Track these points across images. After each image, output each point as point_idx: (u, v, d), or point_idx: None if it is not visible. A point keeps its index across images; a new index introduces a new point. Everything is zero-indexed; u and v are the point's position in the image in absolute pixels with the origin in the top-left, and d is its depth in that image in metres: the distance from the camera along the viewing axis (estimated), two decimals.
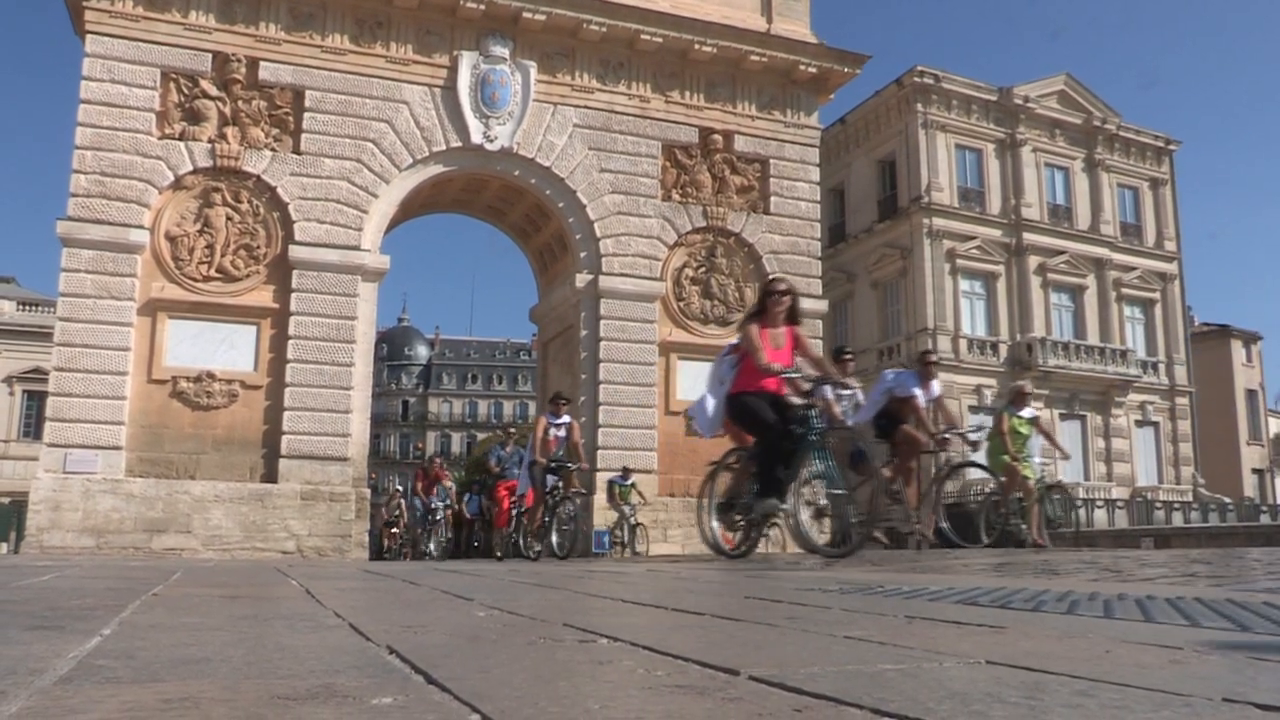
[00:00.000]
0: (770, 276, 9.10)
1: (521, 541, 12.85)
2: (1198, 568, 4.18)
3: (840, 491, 7.14)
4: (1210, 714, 1.17)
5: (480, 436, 78.69)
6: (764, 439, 7.45)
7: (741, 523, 7.69)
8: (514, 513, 13.78)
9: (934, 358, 11.99)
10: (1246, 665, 1.57)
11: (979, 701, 1.28)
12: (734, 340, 8.19)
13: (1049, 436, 13.08)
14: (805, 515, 7.22)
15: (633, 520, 19.24)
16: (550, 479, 12.54)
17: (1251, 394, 50.17)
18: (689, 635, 2.26)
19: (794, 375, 7.45)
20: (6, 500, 34.87)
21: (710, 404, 7.93)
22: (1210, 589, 3.05)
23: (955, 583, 3.82)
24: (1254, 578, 3.56)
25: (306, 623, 2.63)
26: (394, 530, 22.51)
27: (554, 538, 12.01)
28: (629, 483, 19.95)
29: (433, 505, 18.66)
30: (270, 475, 18.73)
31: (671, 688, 1.45)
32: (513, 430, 20.75)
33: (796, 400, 7.39)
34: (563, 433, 12.73)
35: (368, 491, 20.04)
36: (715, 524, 7.85)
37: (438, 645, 2.06)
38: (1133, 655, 1.71)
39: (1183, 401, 36.00)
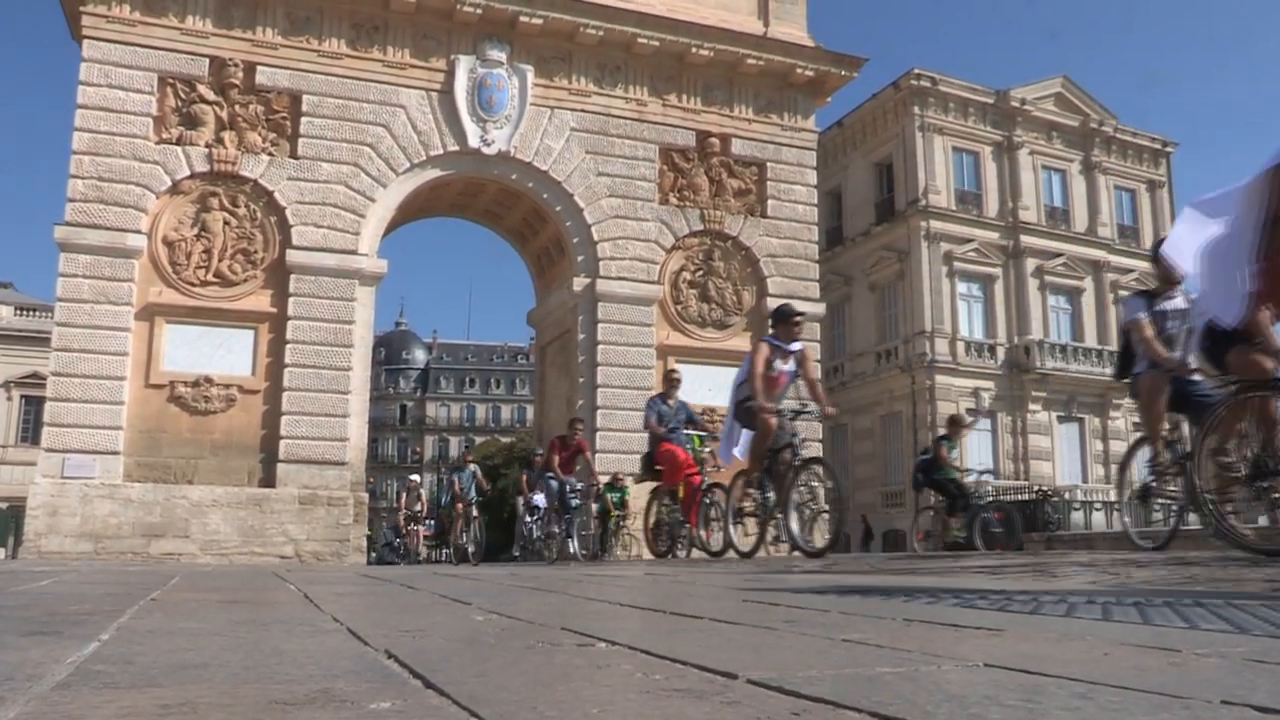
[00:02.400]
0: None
1: (728, 527, 9.14)
2: (1196, 570, 4.18)
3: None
4: (1209, 716, 1.17)
5: (478, 440, 78.63)
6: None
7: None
8: (704, 487, 10.20)
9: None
10: (1245, 667, 1.57)
11: (977, 704, 1.28)
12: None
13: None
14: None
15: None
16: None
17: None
18: (687, 639, 2.26)
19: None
20: (4, 505, 34.81)
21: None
22: (1209, 591, 3.05)
23: (953, 586, 3.82)
24: (1252, 580, 3.56)
25: (304, 627, 2.63)
26: (414, 527, 21.21)
27: (793, 523, 8.06)
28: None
29: (574, 486, 14.52)
30: (268, 480, 18.71)
31: (669, 691, 1.45)
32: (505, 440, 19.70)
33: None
34: (791, 365, 8.81)
35: (366, 496, 20.02)
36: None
37: (436, 649, 2.05)
38: (1131, 658, 1.71)
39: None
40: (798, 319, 8.97)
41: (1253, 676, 1.49)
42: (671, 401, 11.31)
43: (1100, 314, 34.51)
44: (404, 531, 21.77)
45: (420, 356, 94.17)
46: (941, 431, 14.17)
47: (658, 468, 10.82)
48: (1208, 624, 2.15)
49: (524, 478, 16.64)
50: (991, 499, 13.30)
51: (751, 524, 8.97)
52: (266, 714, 1.32)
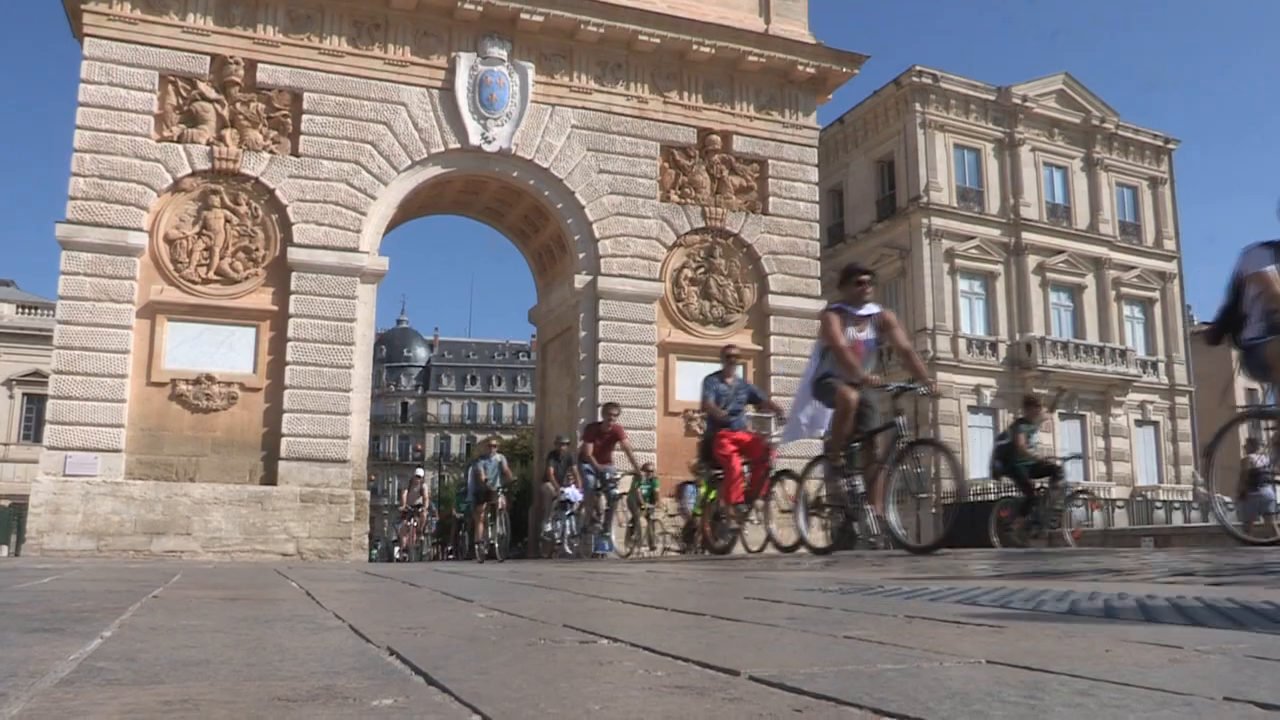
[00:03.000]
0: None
1: (800, 519, 8.16)
2: (1198, 567, 4.18)
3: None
4: (1211, 713, 1.17)
5: (479, 438, 78.64)
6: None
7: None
8: (767, 474, 9.57)
9: None
10: (1247, 664, 1.57)
11: (979, 701, 1.28)
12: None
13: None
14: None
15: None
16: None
17: (1251, 393, 50.12)
18: (689, 636, 2.26)
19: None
20: (6, 503, 34.83)
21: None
22: (1210, 588, 3.05)
23: (955, 583, 3.82)
24: (1254, 577, 3.56)
25: (306, 624, 2.63)
26: (410, 523, 20.77)
27: (892, 516, 7.20)
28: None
29: (611, 476, 13.63)
30: (270, 477, 18.72)
31: (671, 688, 1.45)
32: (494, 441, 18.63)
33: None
34: (868, 334, 7.60)
35: (367, 493, 20.02)
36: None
37: (438, 647, 2.06)
38: (1133, 654, 1.71)
39: (1182, 401, 36.02)
40: (864, 277, 7.63)
41: (1255, 673, 1.49)
42: (730, 380, 10.33)
43: (1102, 311, 34.49)
44: (402, 528, 21.42)
45: (422, 354, 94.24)
46: (1017, 415, 13.01)
47: (716, 456, 9.92)
48: (1209, 621, 2.15)
49: (550, 469, 15.55)
50: (1081, 489, 12.52)
51: (808, 517, 8.18)
52: (269, 711, 1.32)
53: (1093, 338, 33.93)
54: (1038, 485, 11.57)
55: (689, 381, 21.85)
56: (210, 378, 18.62)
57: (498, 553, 14.67)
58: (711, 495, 10.16)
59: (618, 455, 14.20)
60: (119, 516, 17.53)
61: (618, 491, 13.73)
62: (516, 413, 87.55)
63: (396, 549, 22.37)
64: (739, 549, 9.94)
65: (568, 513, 14.55)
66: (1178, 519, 28.80)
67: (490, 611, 3.02)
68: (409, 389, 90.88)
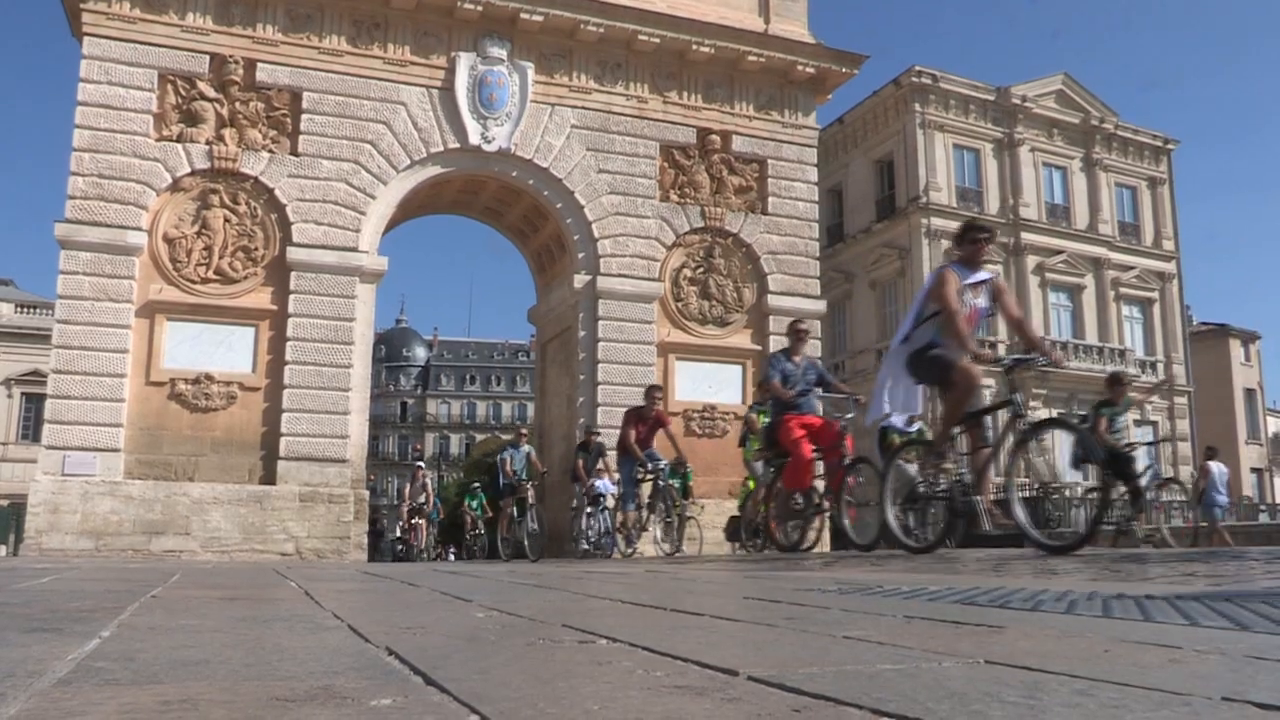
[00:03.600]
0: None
1: (888, 511, 7.05)
2: (1196, 567, 4.18)
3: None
4: (1209, 713, 1.17)
5: (479, 438, 78.71)
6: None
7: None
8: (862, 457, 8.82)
9: None
10: (1245, 664, 1.57)
11: (978, 701, 1.28)
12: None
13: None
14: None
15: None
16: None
17: (1250, 393, 50.22)
18: (688, 636, 2.26)
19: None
20: (5, 503, 34.81)
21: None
22: (1209, 588, 3.05)
23: (954, 582, 3.82)
24: (1253, 577, 3.56)
25: (305, 624, 2.63)
26: (418, 521, 19.86)
27: (1018, 509, 6.22)
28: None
29: (655, 466, 12.56)
30: (269, 477, 18.71)
31: (670, 688, 1.45)
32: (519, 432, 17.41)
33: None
34: (984, 300, 6.82)
35: (366, 493, 20.00)
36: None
37: (437, 646, 2.06)
38: (1132, 654, 1.71)
39: (1181, 401, 36.03)
40: (983, 235, 6.78)
41: (1253, 673, 1.49)
42: (798, 359, 9.42)
43: (1101, 311, 34.50)
44: (407, 526, 20.43)
45: (421, 354, 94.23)
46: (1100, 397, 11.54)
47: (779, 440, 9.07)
48: (1208, 621, 2.15)
49: (579, 462, 14.58)
50: (1168, 477, 11.13)
51: (902, 511, 7.12)
52: (268, 710, 1.32)
53: (1092, 338, 33.95)
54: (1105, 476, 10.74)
55: (689, 381, 21.91)
56: (209, 377, 18.61)
57: (529, 550, 13.65)
58: (768, 486, 9.55)
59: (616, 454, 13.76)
60: (118, 516, 17.52)
61: (664, 482, 12.44)
62: (516, 412, 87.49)
63: (399, 547, 21.28)
64: (793, 542, 8.97)
65: (600, 507, 13.73)
66: (1176, 519, 28.78)
67: (489, 611, 3.02)
68: (408, 389, 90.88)
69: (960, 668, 1.59)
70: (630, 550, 12.60)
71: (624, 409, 20.83)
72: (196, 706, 1.35)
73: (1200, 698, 1.26)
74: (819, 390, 9.47)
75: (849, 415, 9.31)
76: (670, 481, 12.44)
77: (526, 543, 13.95)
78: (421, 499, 20.10)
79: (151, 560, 14.94)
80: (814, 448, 8.84)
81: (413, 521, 19.89)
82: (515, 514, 14.76)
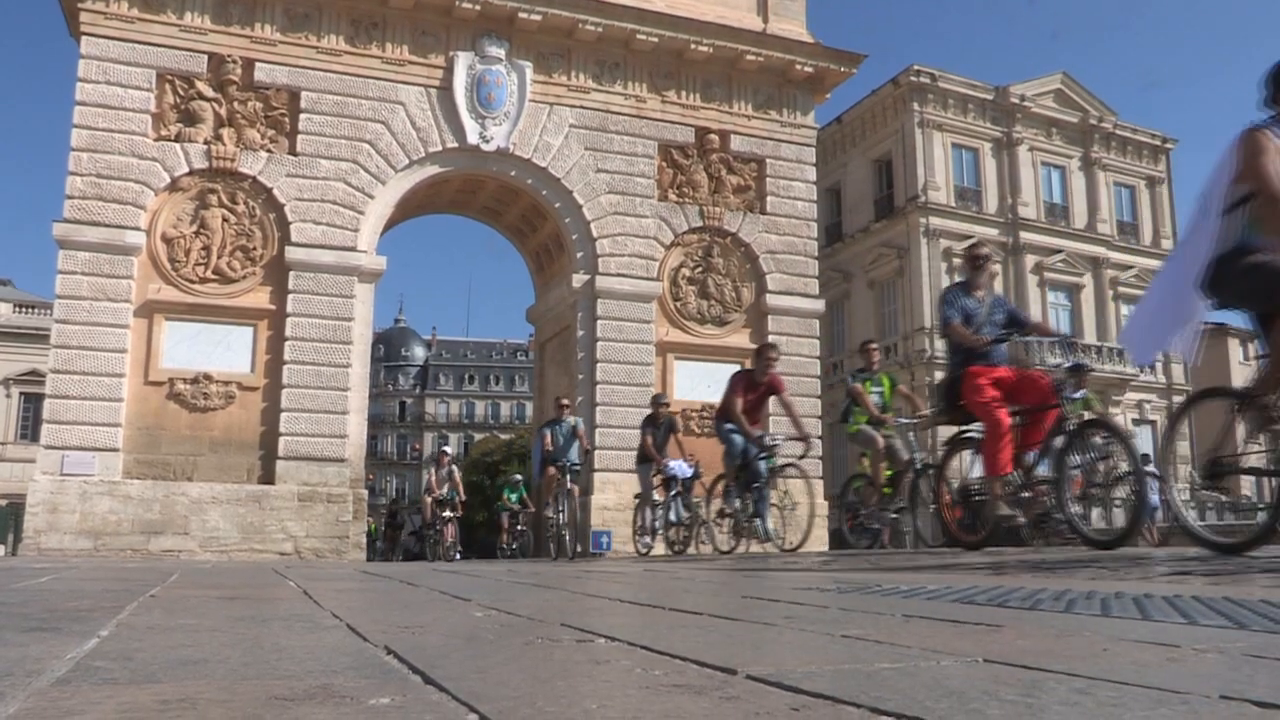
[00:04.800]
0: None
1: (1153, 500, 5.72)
2: (1195, 565, 4.18)
3: None
4: (1208, 712, 1.17)
5: (477, 437, 78.63)
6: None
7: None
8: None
9: None
10: (1244, 663, 1.57)
11: (976, 700, 1.28)
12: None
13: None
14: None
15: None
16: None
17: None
18: (686, 635, 2.26)
19: None
20: (4, 502, 34.80)
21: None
22: (1207, 587, 3.05)
23: (952, 581, 3.82)
24: (1251, 576, 3.56)
25: (304, 624, 2.63)
26: (448, 515, 17.32)
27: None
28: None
29: (775, 440, 10.33)
30: (267, 477, 18.71)
31: (669, 687, 1.45)
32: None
33: None
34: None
35: (365, 493, 19.99)
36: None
37: (435, 646, 2.06)
38: (1130, 653, 1.71)
39: (1179, 400, 36.02)
40: None
41: (1252, 671, 1.49)
42: (980, 293, 7.28)
43: (1100, 310, 34.51)
44: (430, 520, 17.87)
45: (419, 353, 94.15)
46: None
47: (962, 403, 7.02)
48: (1207, 619, 2.15)
49: (647, 439, 12.46)
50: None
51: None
52: (266, 710, 1.32)
53: (1090, 337, 33.95)
54: None
55: (687, 381, 21.91)
56: (208, 377, 18.61)
57: (566, 546, 11.74)
58: (859, 479, 8.39)
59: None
60: (116, 516, 17.52)
61: (781, 462, 10.29)
62: (514, 412, 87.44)
63: (414, 545, 18.09)
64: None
65: (673, 492, 11.68)
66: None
67: (488, 610, 3.02)
68: (407, 388, 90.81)
69: (959, 666, 1.59)
70: (735, 545, 10.44)
71: (624, 408, 21.02)
72: (195, 706, 1.35)
73: (1199, 696, 1.26)
74: (1013, 335, 7.33)
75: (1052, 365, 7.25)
76: (784, 463, 10.36)
77: (565, 536, 11.92)
78: (446, 489, 17.57)
79: (150, 560, 14.93)
80: (1013, 411, 6.78)
81: (443, 515, 17.27)
82: (554, 500, 12.36)
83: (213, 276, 19.00)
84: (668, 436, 12.56)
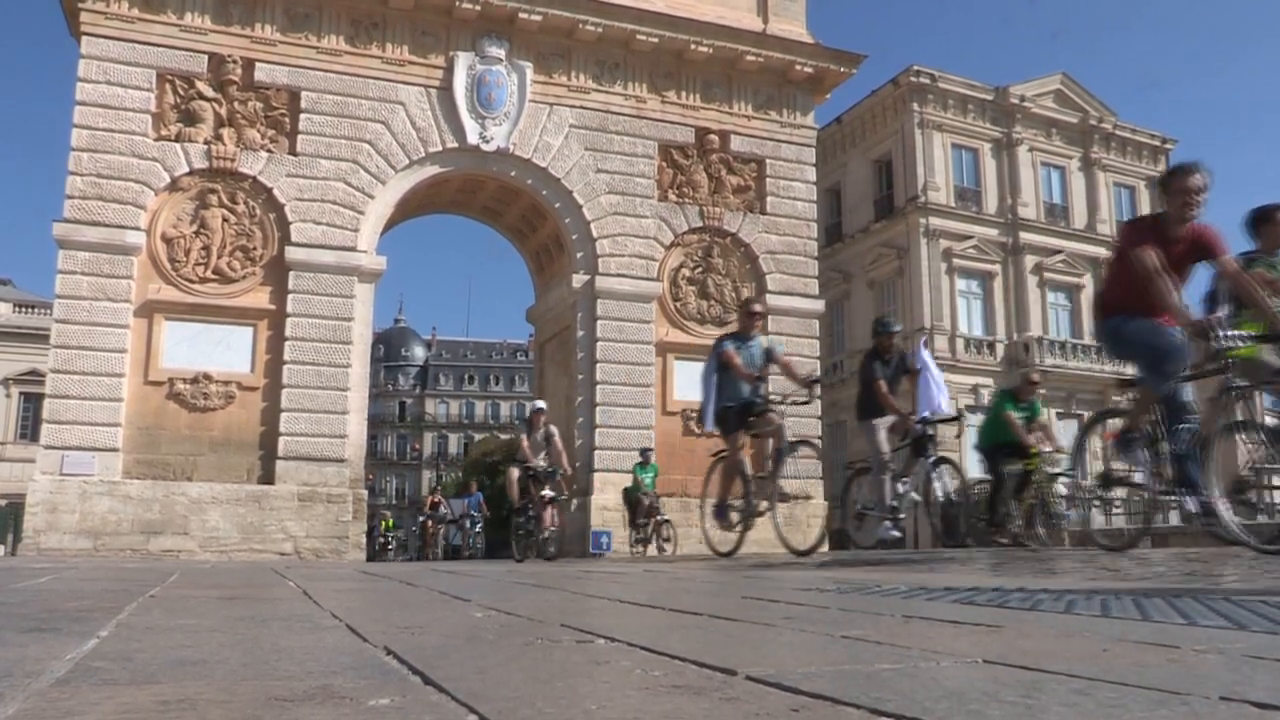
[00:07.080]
0: None
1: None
2: (1195, 567, 4.18)
3: None
4: (1208, 712, 1.17)
5: (477, 437, 78.61)
6: None
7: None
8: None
9: None
10: (1244, 664, 1.57)
11: (976, 700, 1.28)
12: None
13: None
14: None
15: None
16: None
17: None
18: (686, 635, 2.26)
19: None
20: (3, 502, 34.81)
21: None
22: (1208, 588, 3.05)
23: (953, 582, 3.82)
24: (1251, 577, 3.56)
25: (304, 624, 2.63)
26: (547, 494, 11.96)
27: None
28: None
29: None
30: (267, 477, 18.71)
31: (669, 688, 1.45)
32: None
33: None
34: None
35: (364, 493, 19.99)
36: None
37: (435, 646, 2.05)
38: (1130, 654, 1.71)
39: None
40: None
41: (1251, 672, 1.49)
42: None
43: None
44: (520, 502, 12.25)
45: (419, 353, 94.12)
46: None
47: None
48: (1206, 620, 2.15)
49: (880, 382, 9.02)
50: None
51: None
52: (266, 710, 1.32)
53: (1090, 338, 33.93)
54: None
55: (687, 381, 21.83)
56: (208, 377, 18.61)
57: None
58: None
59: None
60: (116, 516, 17.51)
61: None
62: (514, 412, 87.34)
63: (519, 527, 12.44)
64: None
65: (930, 458, 8.52)
66: (1175, 519, 28.81)
67: (487, 611, 3.02)
68: (407, 388, 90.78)
69: (958, 667, 1.59)
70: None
71: (624, 408, 21.03)
72: (194, 706, 1.35)
73: (1199, 697, 1.26)
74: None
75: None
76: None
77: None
78: (544, 458, 12.32)
79: (150, 560, 14.92)
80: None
81: (542, 495, 12.00)
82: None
83: (213, 276, 18.99)
84: (900, 377, 8.96)
